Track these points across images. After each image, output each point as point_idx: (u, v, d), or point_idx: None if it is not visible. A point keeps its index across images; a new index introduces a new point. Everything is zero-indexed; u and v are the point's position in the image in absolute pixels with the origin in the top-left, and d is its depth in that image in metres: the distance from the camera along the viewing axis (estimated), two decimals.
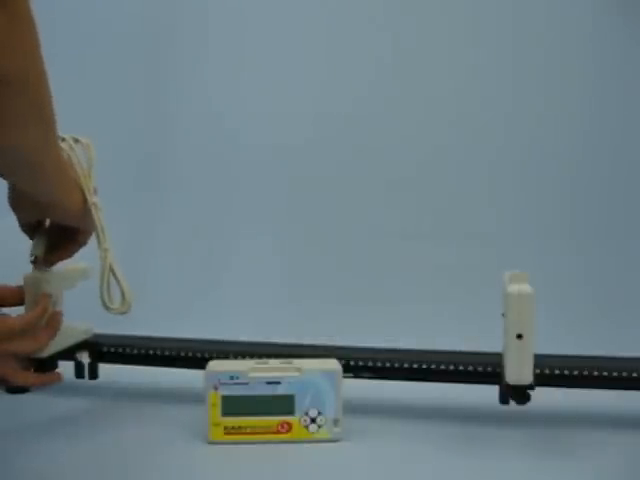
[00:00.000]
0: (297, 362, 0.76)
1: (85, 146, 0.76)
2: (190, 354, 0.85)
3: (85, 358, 0.87)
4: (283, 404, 0.76)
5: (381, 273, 1.27)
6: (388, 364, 0.82)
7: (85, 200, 0.75)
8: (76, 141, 0.76)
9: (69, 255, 0.79)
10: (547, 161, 1.33)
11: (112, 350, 0.87)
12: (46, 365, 0.87)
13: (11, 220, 0.75)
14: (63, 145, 0.74)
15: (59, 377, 0.79)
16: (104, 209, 0.75)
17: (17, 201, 0.74)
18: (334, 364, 0.77)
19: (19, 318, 0.73)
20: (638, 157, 1.30)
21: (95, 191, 0.75)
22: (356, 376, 0.82)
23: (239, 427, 0.76)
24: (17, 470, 0.71)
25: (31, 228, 0.77)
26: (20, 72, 0.55)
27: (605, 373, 0.78)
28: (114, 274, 0.75)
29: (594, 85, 1.33)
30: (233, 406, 0.76)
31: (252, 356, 0.77)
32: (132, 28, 1.29)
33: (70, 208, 0.74)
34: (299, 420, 0.76)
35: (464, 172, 1.34)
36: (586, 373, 0.78)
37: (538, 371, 0.75)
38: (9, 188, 0.74)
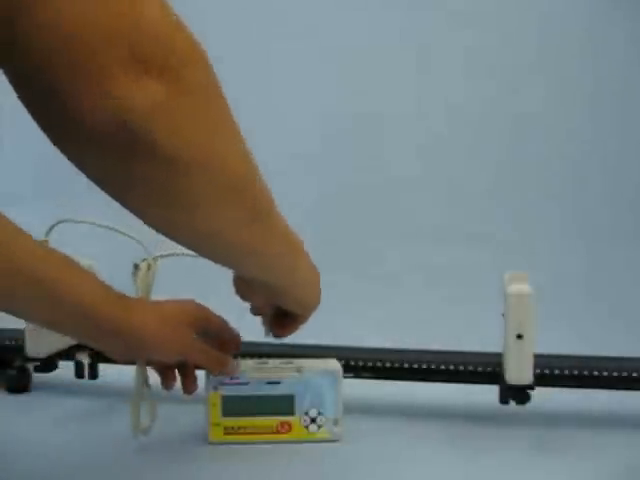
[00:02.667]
0: (297, 362, 0.76)
1: None
2: None
3: (85, 358, 0.86)
4: (283, 404, 0.76)
5: (381, 273, 1.27)
6: (388, 364, 0.82)
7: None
8: None
9: (294, 330, 0.75)
10: (547, 161, 1.33)
11: None
12: (46, 365, 0.87)
13: None
14: None
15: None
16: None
17: (243, 289, 0.70)
18: (334, 364, 0.77)
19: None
20: (638, 156, 1.30)
21: None
22: (356, 376, 0.82)
23: (239, 427, 0.76)
24: (17, 470, 0.71)
25: (260, 313, 0.74)
26: (193, 151, 0.46)
27: (605, 373, 0.78)
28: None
29: (594, 86, 1.33)
30: (233, 406, 0.75)
31: (252, 356, 0.77)
32: None
33: (304, 303, 0.70)
34: (299, 420, 0.76)
35: (465, 172, 1.35)
36: (586, 373, 0.78)
37: (538, 371, 0.75)
38: (234, 277, 0.70)
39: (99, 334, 0.68)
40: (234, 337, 0.76)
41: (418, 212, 1.33)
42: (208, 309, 0.74)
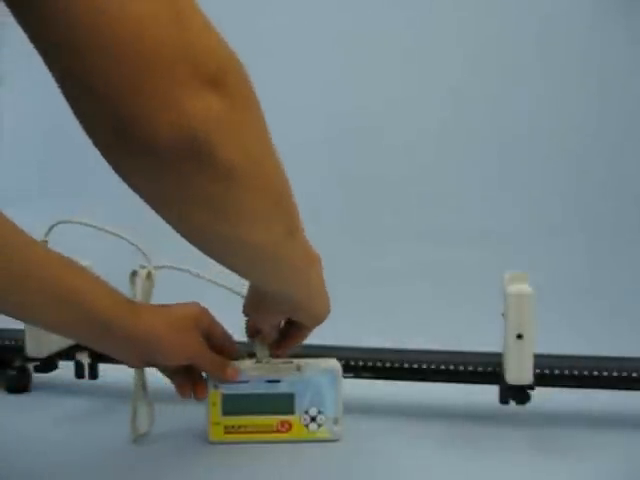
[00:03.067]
0: (297, 361, 0.76)
1: None
2: None
3: (85, 358, 0.86)
4: (283, 403, 0.76)
5: (381, 273, 1.27)
6: (388, 364, 0.82)
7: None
8: None
9: (296, 345, 0.76)
10: (547, 162, 1.33)
11: None
12: (46, 365, 0.87)
13: None
14: None
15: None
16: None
17: (256, 307, 0.71)
18: (334, 363, 0.77)
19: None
20: (638, 156, 1.30)
21: None
22: (356, 376, 0.82)
23: (239, 426, 0.76)
24: (17, 469, 0.71)
25: (257, 334, 0.75)
26: (248, 164, 0.48)
27: (605, 373, 0.78)
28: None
29: (595, 86, 1.33)
30: (233, 405, 0.76)
31: (252, 355, 0.77)
32: None
33: (316, 314, 0.71)
34: (299, 419, 0.76)
35: (465, 172, 1.35)
36: (586, 373, 0.78)
37: (538, 371, 0.75)
38: (247, 294, 0.72)
39: (109, 338, 0.68)
40: (232, 344, 0.76)
41: (418, 212, 1.32)
42: (210, 313, 0.74)
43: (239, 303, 0.75)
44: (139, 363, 0.73)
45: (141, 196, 0.49)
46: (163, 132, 0.42)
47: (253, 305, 0.72)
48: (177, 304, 0.73)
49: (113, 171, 0.47)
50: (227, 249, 0.55)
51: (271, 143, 0.51)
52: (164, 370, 0.74)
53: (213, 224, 0.51)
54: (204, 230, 0.51)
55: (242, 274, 0.62)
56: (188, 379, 0.74)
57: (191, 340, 0.71)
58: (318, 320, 0.72)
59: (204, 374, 0.75)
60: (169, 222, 0.52)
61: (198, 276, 0.77)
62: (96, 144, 0.45)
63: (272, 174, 0.52)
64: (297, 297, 0.68)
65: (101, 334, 0.68)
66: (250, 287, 0.72)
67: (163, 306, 0.73)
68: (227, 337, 0.76)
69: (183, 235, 0.53)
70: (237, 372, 0.75)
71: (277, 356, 0.76)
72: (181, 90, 0.42)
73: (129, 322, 0.68)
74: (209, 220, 0.50)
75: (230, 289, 0.76)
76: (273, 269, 0.61)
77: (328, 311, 0.72)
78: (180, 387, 0.74)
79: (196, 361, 0.72)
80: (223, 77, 0.44)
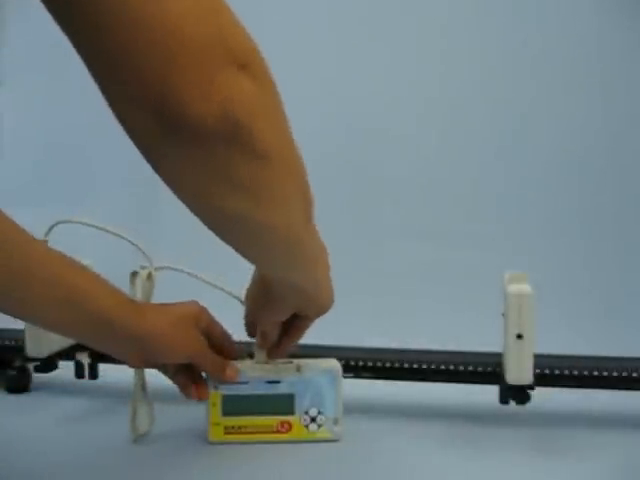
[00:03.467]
0: (297, 362, 0.76)
1: None
2: None
3: (85, 358, 0.86)
4: (283, 403, 0.76)
5: (381, 273, 1.27)
6: (388, 364, 0.82)
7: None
8: None
9: (295, 342, 0.76)
10: (547, 161, 1.33)
11: None
12: (46, 365, 0.87)
13: None
14: None
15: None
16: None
17: (261, 304, 0.71)
18: (334, 363, 0.77)
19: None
20: (637, 156, 1.30)
21: None
22: (356, 376, 0.82)
23: (239, 427, 0.76)
24: (17, 469, 0.71)
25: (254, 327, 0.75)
26: (280, 147, 0.50)
27: (605, 373, 0.78)
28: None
29: (595, 86, 1.33)
30: (233, 406, 0.76)
31: (252, 356, 0.77)
32: None
33: (322, 304, 0.71)
34: (299, 419, 0.76)
35: (464, 172, 1.35)
36: (586, 373, 0.78)
37: (538, 371, 0.75)
38: (251, 292, 0.72)
39: (111, 338, 0.68)
40: (231, 344, 0.76)
41: (418, 211, 1.32)
42: (209, 312, 0.74)
43: (238, 304, 0.76)
44: (140, 363, 0.72)
45: (172, 181, 0.50)
46: (206, 113, 0.44)
47: (258, 303, 0.72)
48: (177, 303, 0.73)
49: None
50: (251, 232, 0.55)
51: (290, 127, 0.53)
52: (165, 371, 0.74)
53: (243, 206, 0.51)
54: (232, 213, 0.52)
55: (257, 259, 0.63)
56: (189, 379, 0.74)
57: (192, 338, 0.71)
58: (323, 310, 0.72)
59: (204, 375, 0.75)
60: (197, 207, 0.53)
61: (196, 277, 0.76)
62: (132, 130, 0.46)
63: (297, 159, 0.54)
64: (306, 286, 0.68)
65: (103, 333, 0.68)
66: (255, 284, 0.72)
67: (163, 305, 0.73)
68: (226, 337, 0.76)
69: (207, 219, 0.54)
70: (237, 372, 0.75)
71: (279, 355, 0.76)
72: (221, 74, 0.44)
73: (131, 321, 0.68)
74: (240, 202, 0.51)
75: (229, 293, 0.76)
76: (289, 255, 0.61)
77: (332, 301, 0.72)
78: (184, 387, 0.74)
79: (197, 360, 0.72)
80: (253, 63, 0.46)
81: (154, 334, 0.69)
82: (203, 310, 0.74)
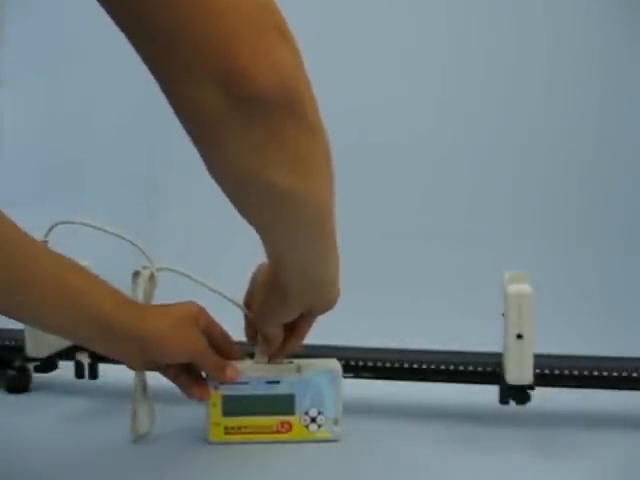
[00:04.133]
0: (297, 362, 0.76)
1: None
2: None
3: (85, 358, 0.86)
4: (283, 404, 0.76)
5: (381, 273, 1.27)
6: (388, 364, 0.82)
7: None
8: None
9: (300, 342, 0.75)
10: (547, 161, 1.33)
11: None
12: (46, 365, 0.87)
13: None
14: None
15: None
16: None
17: (272, 307, 0.70)
18: (334, 364, 0.77)
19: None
20: (637, 156, 1.30)
21: None
22: (356, 376, 0.82)
23: (239, 427, 0.76)
24: (17, 470, 0.71)
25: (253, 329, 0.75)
26: (319, 118, 0.52)
27: (605, 373, 0.78)
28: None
29: (595, 86, 1.33)
30: (233, 406, 0.76)
31: (252, 356, 0.77)
32: None
33: (330, 298, 0.71)
34: (299, 420, 0.76)
35: (464, 172, 1.35)
36: (586, 373, 0.78)
37: (538, 371, 0.75)
38: (261, 288, 0.71)
39: (111, 340, 0.68)
40: (231, 344, 0.76)
41: (417, 211, 1.32)
42: (208, 313, 0.75)
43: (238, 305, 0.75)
44: (140, 365, 0.72)
45: (232, 161, 0.51)
46: (268, 83, 0.46)
47: (267, 305, 0.71)
48: (175, 303, 0.73)
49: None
50: (292, 208, 0.56)
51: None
52: (166, 372, 0.74)
53: (294, 181, 0.53)
54: (282, 187, 0.53)
55: (284, 238, 0.62)
56: (191, 379, 0.74)
57: (193, 338, 0.71)
58: (330, 305, 0.72)
59: (204, 375, 0.75)
60: (247, 186, 0.53)
61: (196, 281, 0.76)
62: (196, 112, 0.47)
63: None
64: (321, 273, 0.67)
65: (102, 336, 0.67)
66: (265, 285, 0.70)
67: (162, 306, 0.73)
68: (226, 337, 0.76)
69: (252, 197, 0.55)
70: (237, 373, 0.75)
71: (282, 356, 0.76)
72: (271, 38, 0.46)
73: (131, 323, 0.68)
74: (292, 176, 0.52)
75: (227, 297, 0.75)
76: (317, 232, 0.62)
77: (339, 295, 0.72)
78: (186, 387, 0.74)
79: (198, 360, 0.72)
80: (287, 30, 0.48)
81: (154, 335, 0.69)
82: (202, 310, 0.74)
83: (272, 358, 0.76)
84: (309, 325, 0.74)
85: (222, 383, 0.75)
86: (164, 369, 0.73)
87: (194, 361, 0.72)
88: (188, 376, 0.74)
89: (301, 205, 0.56)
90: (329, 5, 1.39)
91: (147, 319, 0.69)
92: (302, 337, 0.75)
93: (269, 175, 0.52)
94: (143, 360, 0.71)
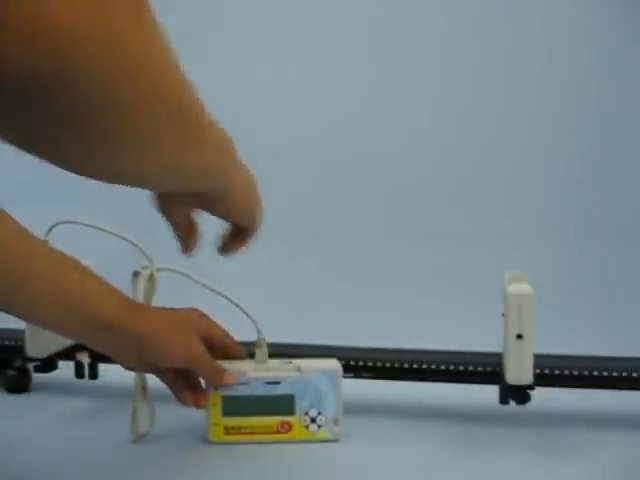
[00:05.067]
0: (297, 362, 0.76)
1: None
2: None
3: (85, 358, 0.86)
4: (283, 404, 0.76)
5: (381, 273, 1.27)
6: (388, 364, 0.82)
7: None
8: None
9: (240, 247, 0.73)
10: (547, 161, 1.33)
11: None
12: (46, 365, 0.87)
13: None
14: None
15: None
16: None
17: (166, 203, 0.67)
18: (334, 364, 0.77)
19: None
20: (637, 156, 1.30)
21: None
22: (356, 376, 0.82)
23: (239, 427, 0.76)
24: (17, 470, 0.71)
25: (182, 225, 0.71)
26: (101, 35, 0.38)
27: (605, 373, 0.78)
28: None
29: (594, 85, 1.33)
30: (233, 406, 0.76)
31: (252, 356, 0.77)
32: None
33: (244, 208, 0.68)
34: (299, 420, 0.76)
35: (464, 172, 1.35)
36: (586, 373, 0.78)
37: (538, 371, 0.75)
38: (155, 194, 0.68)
39: (112, 339, 0.68)
40: (235, 343, 0.76)
41: (417, 211, 1.32)
42: (209, 318, 0.75)
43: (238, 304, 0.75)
44: (138, 366, 0.72)
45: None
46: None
47: (163, 204, 0.68)
48: (177, 308, 0.73)
49: None
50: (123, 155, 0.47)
51: (154, 27, 0.43)
52: (163, 376, 0.74)
53: (108, 118, 0.43)
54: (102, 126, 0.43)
55: (143, 184, 0.58)
56: (187, 386, 0.74)
57: (191, 343, 0.71)
58: (249, 216, 0.69)
59: (202, 382, 0.75)
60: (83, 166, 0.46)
61: (196, 282, 0.76)
62: None
63: (153, 62, 0.43)
64: (214, 194, 0.64)
65: (102, 334, 0.68)
66: None
67: (163, 308, 0.73)
68: (228, 338, 0.76)
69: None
70: (234, 378, 0.74)
71: (225, 252, 0.74)
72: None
73: (131, 322, 0.68)
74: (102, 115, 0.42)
75: (226, 297, 0.75)
76: (169, 168, 0.53)
77: (259, 205, 0.69)
78: (180, 392, 0.74)
79: (195, 365, 0.72)
80: None
81: (153, 335, 0.69)
82: (203, 317, 0.74)
83: (185, 250, 0.72)
84: (244, 239, 0.72)
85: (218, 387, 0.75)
86: (161, 372, 0.73)
87: (191, 366, 0.72)
88: (185, 382, 0.74)
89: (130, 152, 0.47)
90: (327, 8, 1.39)
91: (146, 319, 0.69)
92: (237, 247, 0.73)
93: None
94: (139, 361, 0.71)
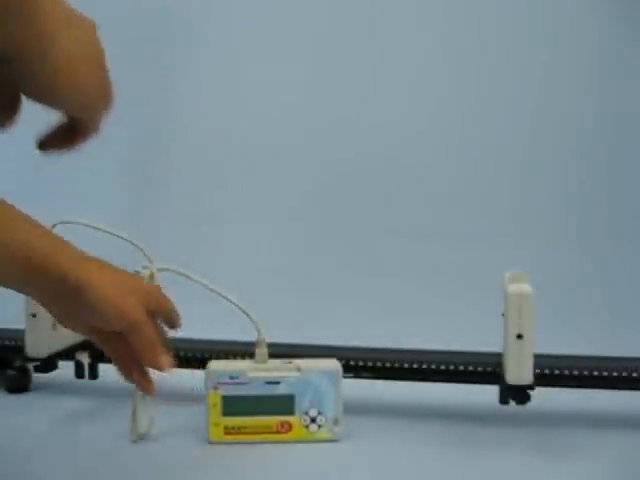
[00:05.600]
0: (297, 362, 0.76)
1: None
2: (190, 354, 0.85)
3: (85, 358, 0.87)
4: (283, 404, 0.76)
5: (381, 273, 1.27)
6: (388, 364, 0.82)
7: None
8: None
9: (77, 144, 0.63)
10: (547, 161, 1.33)
11: None
12: (46, 365, 0.87)
13: None
14: None
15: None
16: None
17: None
18: (334, 364, 0.77)
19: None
20: (638, 155, 1.30)
21: None
22: (356, 376, 0.82)
23: (239, 427, 0.76)
24: (17, 470, 0.71)
25: None
26: None
27: (605, 373, 0.78)
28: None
29: (594, 84, 1.33)
30: (233, 406, 0.76)
31: (252, 356, 0.77)
32: (133, 30, 1.29)
33: (71, 85, 0.56)
34: (299, 420, 0.76)
35: (464, 172, 1.35)
36: (586, 373, 0.78)
37: (538, 371, 0.75)
38: None
39: (44, 285, 0.60)
40: (178, 315, 0.69)
41: (417, 210, 1.32)
42: (160, 291, 0.69)
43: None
44: (68, 319, 0.64)
45: None
46: None
47: None
48: (130, 273, 0.68)
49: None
50: None
51: None
52: (98, 338, 0.66)
53: None
54: None
55: None
56: (127, 355, 0.66)
57: (134, 306, 0.64)
58: (83, 102, 0.59)
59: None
60: None
61: (196, 282, 0.76)
62: None
63: None
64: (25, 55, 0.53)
65: (34, 279, 0.60)
66: None
67: (107, 263, 0.65)
68: (174, 309, 0.69)
69: None
70: (171, 365, 0.66)
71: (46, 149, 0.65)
72: None
73: (71, 270, 0.61)
74: None
75: (226, 297, 0.75)
76: None
77: (101, 88, 0.60)
78: (123, 363, 0.67)
79: (133, 330, 0.64)
80: None
81: (93, 287, 0.61)
82: (154, 289, 0.69)
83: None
84: (81, 135, 0.64)
85: (153, 367, 0.67)
86: (96, 333, 0.65)
87: (129, 331, 0.64)
88: (126, 349, 0.65)
89: None
90: (329, 7, 1.39)
91: (89, 269, 0.62)
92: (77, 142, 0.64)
93: None
94: (73, 313, 0.63)
